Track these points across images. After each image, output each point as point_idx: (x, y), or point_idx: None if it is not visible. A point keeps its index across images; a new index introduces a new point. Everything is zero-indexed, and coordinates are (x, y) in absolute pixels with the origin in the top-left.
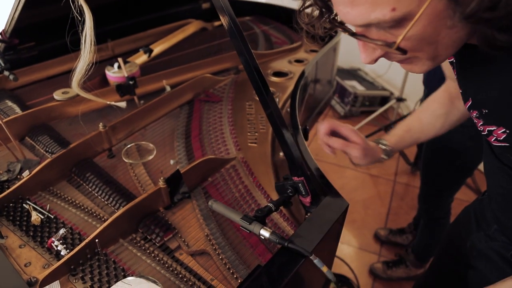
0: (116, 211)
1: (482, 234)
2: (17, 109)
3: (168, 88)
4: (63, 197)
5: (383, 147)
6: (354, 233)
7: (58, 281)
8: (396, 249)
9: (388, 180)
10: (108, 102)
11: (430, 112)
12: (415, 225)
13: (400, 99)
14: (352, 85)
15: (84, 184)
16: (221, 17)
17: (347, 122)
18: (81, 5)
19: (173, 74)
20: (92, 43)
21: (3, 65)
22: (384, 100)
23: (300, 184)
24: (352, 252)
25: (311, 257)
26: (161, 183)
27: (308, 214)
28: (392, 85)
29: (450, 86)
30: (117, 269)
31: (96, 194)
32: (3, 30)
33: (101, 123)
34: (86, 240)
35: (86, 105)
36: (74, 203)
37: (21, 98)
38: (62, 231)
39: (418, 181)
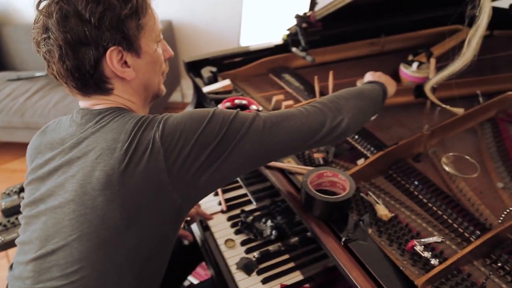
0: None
1: None
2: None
3: (480, 99)
4: (385, 191)
5: None
6: None
7: None
8: None
9: None
10: (444, 106)
11: None
12: None
13: None
14: None
15: (405, 184)
16: None
17: None
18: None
19: (479, 83)
20: (478, 44)
21: (304, 45)
22: None
23: None
24: None
25: None
26: None
27: None
28: None
29: None
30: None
31: (422, 198)
32: (313, 13)
33: (426, 126)
34: (458, 255)
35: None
36: (400, 201)
37: (304, 77)
38: (434, 238)
39: None
